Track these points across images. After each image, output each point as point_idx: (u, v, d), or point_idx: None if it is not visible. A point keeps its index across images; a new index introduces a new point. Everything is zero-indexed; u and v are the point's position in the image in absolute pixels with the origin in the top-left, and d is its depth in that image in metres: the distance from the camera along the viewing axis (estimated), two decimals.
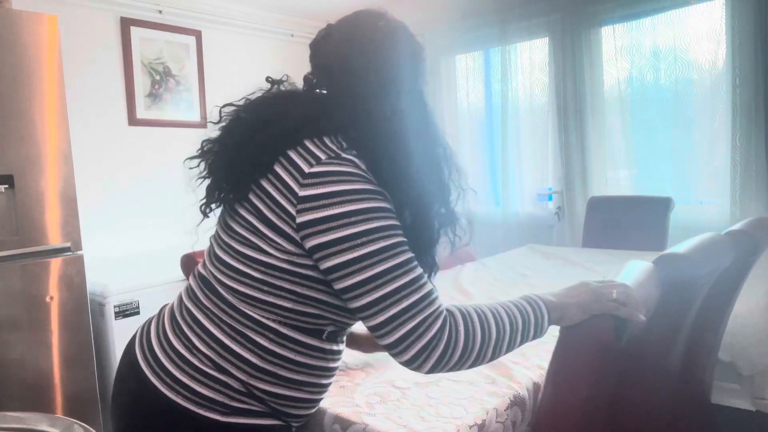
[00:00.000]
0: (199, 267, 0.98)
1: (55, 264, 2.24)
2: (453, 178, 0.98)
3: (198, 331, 0.90)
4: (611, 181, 3.01)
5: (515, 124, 3.29)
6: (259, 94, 1.00)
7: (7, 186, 2.13)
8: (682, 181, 2.80)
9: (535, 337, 0.92)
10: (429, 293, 0.84)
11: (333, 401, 1.10)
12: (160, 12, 3.25)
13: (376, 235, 0.82)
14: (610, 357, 0.99)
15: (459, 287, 2.01)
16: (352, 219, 0.81)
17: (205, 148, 0.99)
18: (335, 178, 0.83)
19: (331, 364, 0.96)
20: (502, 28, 3.25)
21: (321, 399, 1.00)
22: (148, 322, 1.00)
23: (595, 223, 2.85)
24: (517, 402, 1.10)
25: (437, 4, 3.59)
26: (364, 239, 0.81)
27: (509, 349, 0.89)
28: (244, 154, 0.90)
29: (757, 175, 2.49)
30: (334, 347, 0.96)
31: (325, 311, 0.90)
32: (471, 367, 0.87)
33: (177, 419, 0.87)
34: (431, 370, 0.85)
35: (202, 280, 0.94)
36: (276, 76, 1.06)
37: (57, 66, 2.28)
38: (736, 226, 1.63)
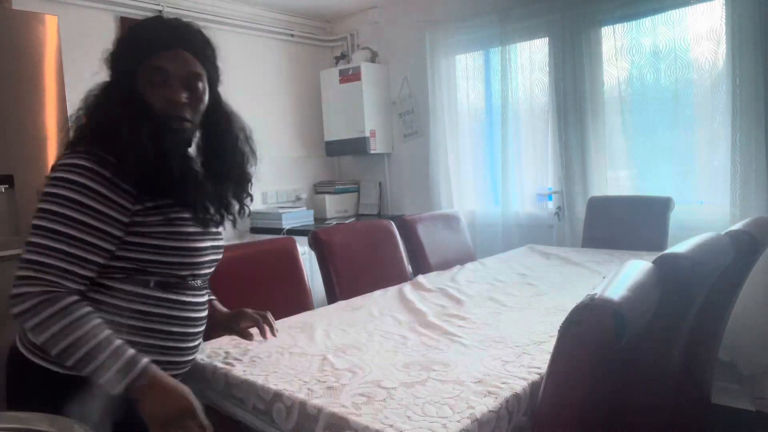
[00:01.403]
0: None
1: None
2: None
3: None
4: (611, 181, 3.01)
5: (515, 124, 3.29)
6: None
7: (7, 186, 2.13)
8: (682, 181, 2.80)
9: (97, 374, 0.99)
10: None
11: (319, 402, 1.10)
12: (160, 12, 3.25)
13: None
14: (609, 356, 0.99)
15: (458, 287, 2.01)
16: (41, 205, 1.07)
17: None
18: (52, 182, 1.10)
19: (168, 312, 1.16)
20: (502, 28, 3.25)
21: (185, 347, 1.20)
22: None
23: (595, 223, 2.85)
24: (503, 401, 1.10)
25: (437, 4, 3.59)
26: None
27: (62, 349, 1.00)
28: None
29: (757, 175, 2.48)
30: (171, 296, 1.16)
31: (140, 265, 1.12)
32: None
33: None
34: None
35: None
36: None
37: (57, 66, 2.28)
38: (736, 226, 1.63)
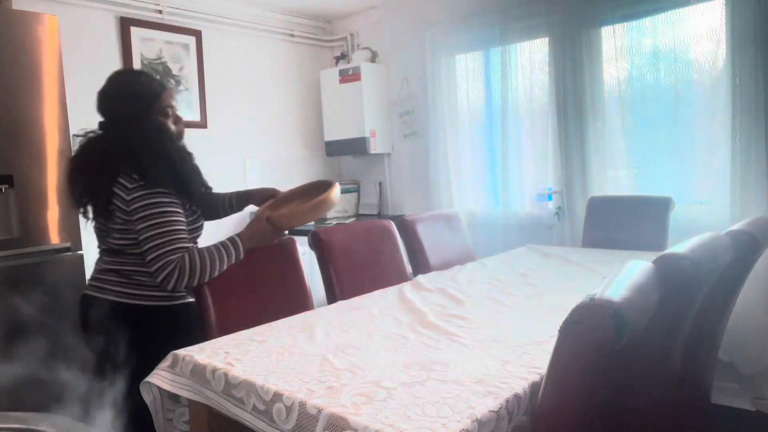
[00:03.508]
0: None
1: (55, 264, 2.25)
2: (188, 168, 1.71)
3: (115, 267, 1.70)
4: (611, 181, 3.01)
5: (515, 124, 3.29)
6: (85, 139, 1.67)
7: (7, 186, 2.13)
8: (682, 181, 2.80)
9: (236, 257, 1.78)
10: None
11: (319, 402, 1.11)
12: (160, 12, 3.25)
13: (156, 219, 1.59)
14: (609, 355, 0.99)
15: (458, 287, 2.01)
16: (149, 211, 1.58)
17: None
18: (146, 198, 1.59)
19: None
20: (502, 28, 3.25)
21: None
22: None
23: (595, 223, 2.85)
24: (503, 401, 1.10)
25: (437, 4, 3.59)
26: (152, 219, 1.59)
27: (220, 269, 1.73)
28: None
29: (757, 175, 2.49)
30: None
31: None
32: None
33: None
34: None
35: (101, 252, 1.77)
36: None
37: (57, 66, 2.28)
38: (736, 226, 1.63)
